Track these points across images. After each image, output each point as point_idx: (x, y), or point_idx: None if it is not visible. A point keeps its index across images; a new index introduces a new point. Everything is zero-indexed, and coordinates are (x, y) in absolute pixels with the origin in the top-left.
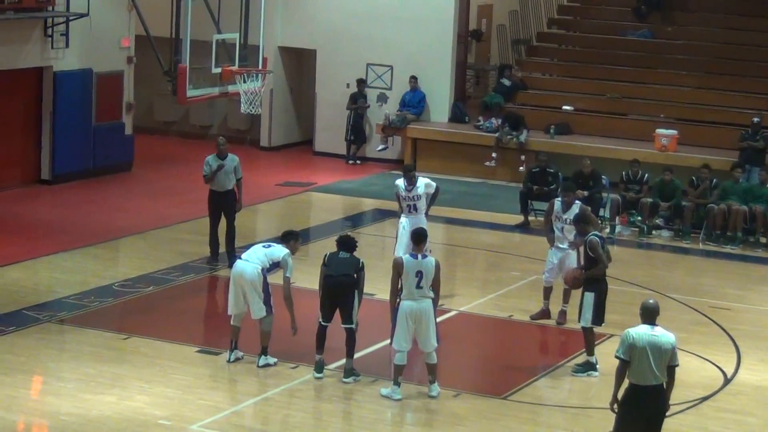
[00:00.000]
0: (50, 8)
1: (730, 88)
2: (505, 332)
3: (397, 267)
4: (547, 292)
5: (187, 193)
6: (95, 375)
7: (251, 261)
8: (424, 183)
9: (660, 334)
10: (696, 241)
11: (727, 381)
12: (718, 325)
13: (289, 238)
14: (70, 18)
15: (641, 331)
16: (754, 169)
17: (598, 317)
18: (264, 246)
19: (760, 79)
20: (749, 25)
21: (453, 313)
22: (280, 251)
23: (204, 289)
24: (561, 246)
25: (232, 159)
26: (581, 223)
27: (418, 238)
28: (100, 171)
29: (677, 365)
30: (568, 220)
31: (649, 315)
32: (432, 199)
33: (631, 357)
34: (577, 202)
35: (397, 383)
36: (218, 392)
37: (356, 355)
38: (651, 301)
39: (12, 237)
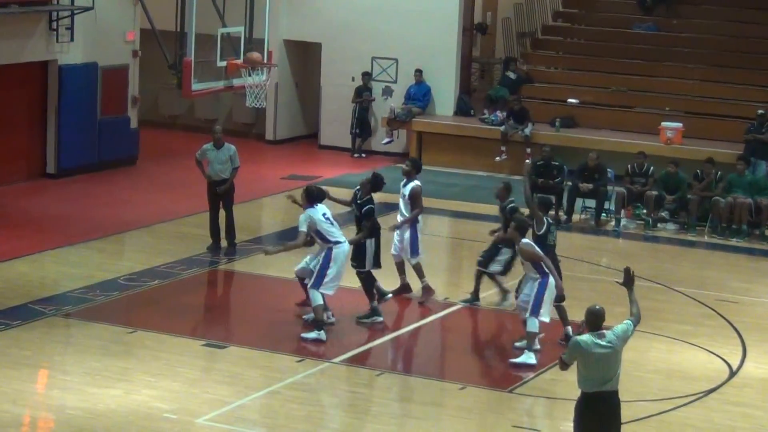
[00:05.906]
0: (55, 2)
1: (735, 81)
2: (510, 325)
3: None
4: None
5: (192, 187)
6: (101, 369)
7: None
8: (410, 186)
9: (606, 341)
10: (701, 234)
11: (733, 374)
12: (723, 317)
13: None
14: (75, 11)
15: (588, 339)
16: (760, 161)
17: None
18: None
19: (766, 72)
20: (755, 18)
21: (458, 306)
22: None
23: (209, 283)
24: None
25: (228, 148)
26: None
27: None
28: (105, 165)
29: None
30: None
31: (595, 320)
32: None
33: (585, 365)
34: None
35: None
36: (224, 386)
37: (363, 348)
38: (597, 306)
39: (18, 231)
